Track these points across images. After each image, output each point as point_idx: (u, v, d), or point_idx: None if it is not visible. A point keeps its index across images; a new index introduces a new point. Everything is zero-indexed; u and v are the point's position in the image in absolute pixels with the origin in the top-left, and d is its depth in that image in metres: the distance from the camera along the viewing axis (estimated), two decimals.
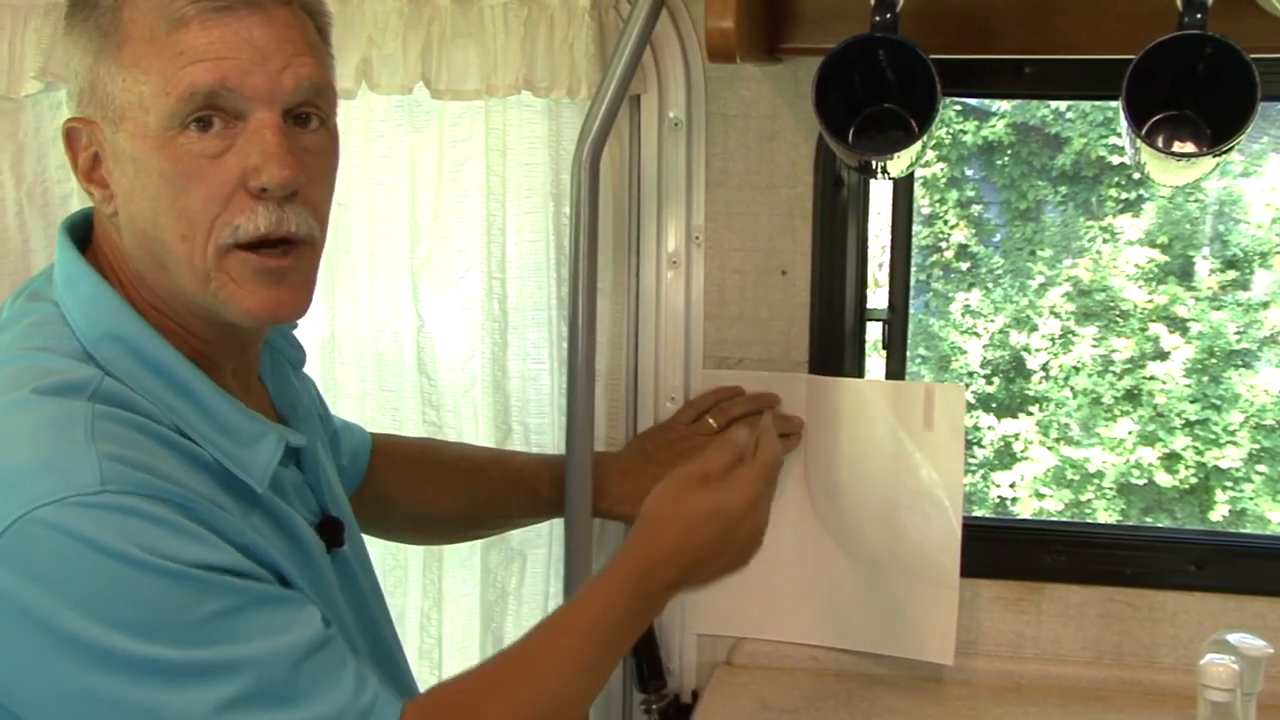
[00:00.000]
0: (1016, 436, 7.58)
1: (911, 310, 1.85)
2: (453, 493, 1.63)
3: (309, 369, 1.44)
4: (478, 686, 1.18)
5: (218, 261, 1.11)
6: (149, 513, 1.01)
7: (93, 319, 1.12)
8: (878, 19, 1.40)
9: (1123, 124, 1.39)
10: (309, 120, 1.14)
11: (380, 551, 1.78)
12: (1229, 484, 7.29)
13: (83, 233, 1.20)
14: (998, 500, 7.48)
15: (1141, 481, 7.38)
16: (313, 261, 1.17)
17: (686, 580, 1.28)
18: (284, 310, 1.15)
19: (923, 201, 7.70)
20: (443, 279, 1.78)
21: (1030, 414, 7.64)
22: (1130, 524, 7.19)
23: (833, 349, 1.78)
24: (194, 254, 1.11)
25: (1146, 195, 7.55)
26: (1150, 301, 7.47)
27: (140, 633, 0.99)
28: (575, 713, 1.21)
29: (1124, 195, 7.65)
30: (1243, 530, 6.81)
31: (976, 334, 7.76)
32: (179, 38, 1.08)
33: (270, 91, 1.10)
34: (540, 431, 1.79)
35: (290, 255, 1.13)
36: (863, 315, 1.81)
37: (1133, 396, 7.44)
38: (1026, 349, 7.66)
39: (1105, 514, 7.35)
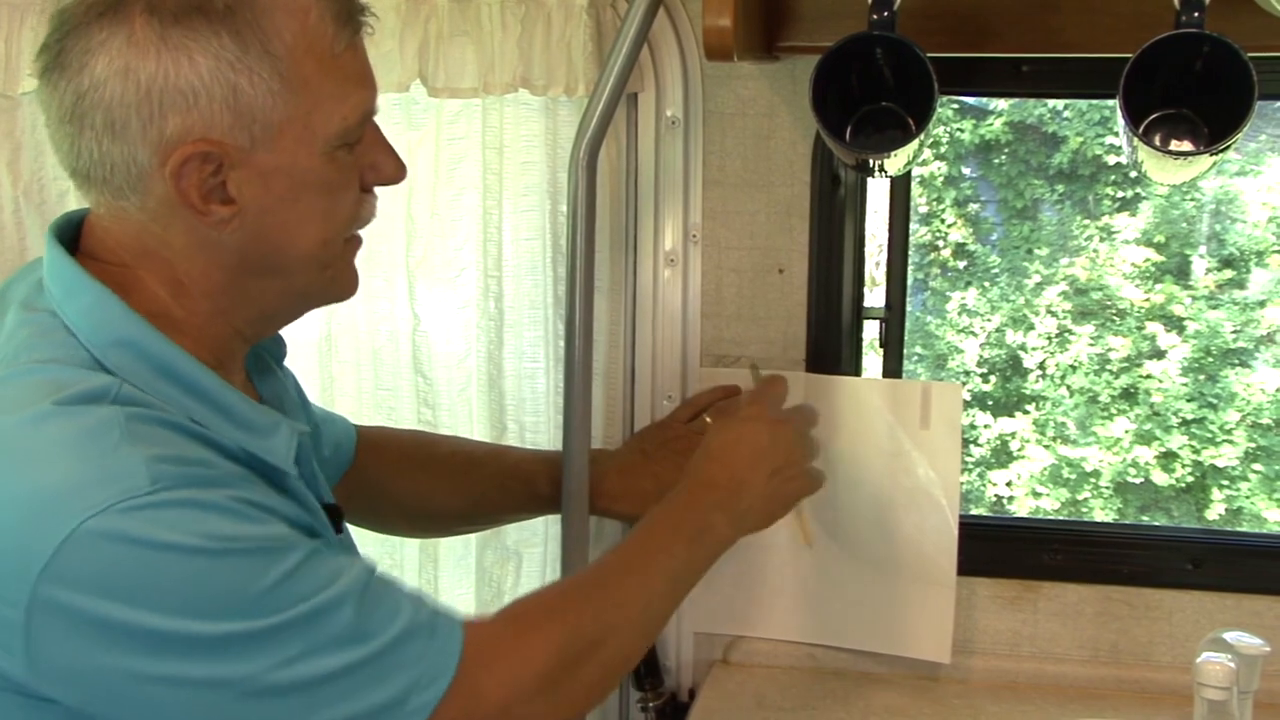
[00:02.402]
0: (1013, 435, 7.58)
1: (909, 309, 1.85)
2: (447, 486, 1.62)
3: (306, 368, 1.44)
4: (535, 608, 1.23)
5: (342, 251, 1.20)
6: (202, 501, 1.02)
7: (98, 326, 1.10)
8: (875, 17, 1.40)
9: (1120, 122, 1.39)
10: None
11: (376, 550, 1.78)
12: (1225, 482, 7.29)
13: (69, 237, 1.17)
14: (994, 499, 7.47)
15: (1138, 480, 7.38)
16: None
17: (730, 503, 1.36)
18: (357, 282, 1.26)
19: (920, 200, 7.69)
20: (439, 277, 1.78)
21: (1027, 413, 7.63)
22: (1127, 523, 7.17)
23: (830, 347, 1.78)
24: (327, 252, 1.18)
25: (1143, 194, 7.55)
26: (1147, 300, 7.46)
27: (218, 615, 1.01)
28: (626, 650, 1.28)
29: (1121, 194, 7.65)
30: (1239, 529, 6.80)
31: (973, 333, 7.76)
32: (343, 59, 1.13)
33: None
34: (536, 430, 1.79)
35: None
36: (860, 313, 1.81)
37: (1129, 395, 7.43)
38: (1023, 348, 7.65)
39: (1102, 513, 7.34)
